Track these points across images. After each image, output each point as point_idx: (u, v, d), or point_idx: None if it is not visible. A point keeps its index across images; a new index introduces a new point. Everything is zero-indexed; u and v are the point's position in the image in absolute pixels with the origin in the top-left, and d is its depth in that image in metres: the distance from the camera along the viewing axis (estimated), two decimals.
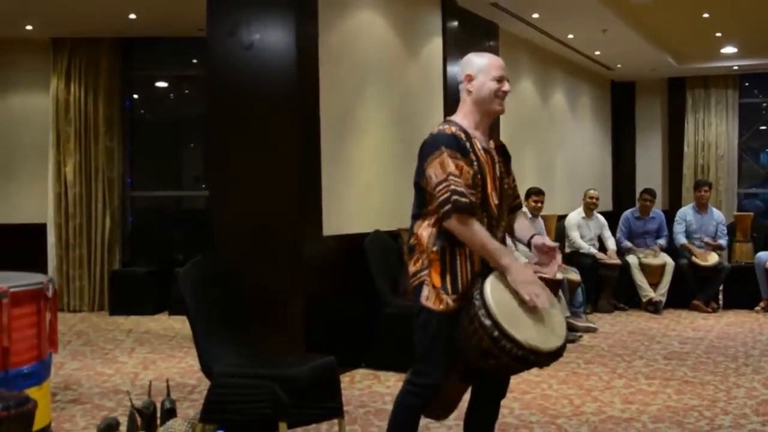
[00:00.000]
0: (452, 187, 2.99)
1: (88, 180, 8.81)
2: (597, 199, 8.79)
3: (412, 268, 3.19)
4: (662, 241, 8.82)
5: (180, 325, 7.65)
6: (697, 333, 7.28)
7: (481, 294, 2.95)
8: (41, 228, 8.83)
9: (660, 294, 8.41)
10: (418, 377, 3.22)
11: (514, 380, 5.41)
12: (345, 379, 5.47)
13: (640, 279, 8.48)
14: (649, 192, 9.07)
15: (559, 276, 7.13)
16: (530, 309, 2.99)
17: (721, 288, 8.73)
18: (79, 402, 5.04)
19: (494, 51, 8.38)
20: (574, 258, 8.41)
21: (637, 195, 9.42)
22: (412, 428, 3.27)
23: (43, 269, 8.69)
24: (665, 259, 8.56)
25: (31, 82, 9.00)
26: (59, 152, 8.79)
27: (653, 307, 8.34)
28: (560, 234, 8.82)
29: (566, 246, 8.67)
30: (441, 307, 3.10)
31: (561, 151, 10.59)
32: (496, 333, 2.87)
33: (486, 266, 3.06)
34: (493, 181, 3.16)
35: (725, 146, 12.02)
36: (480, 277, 3.02)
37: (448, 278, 3.10)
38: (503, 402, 4.75)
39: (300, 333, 5.32)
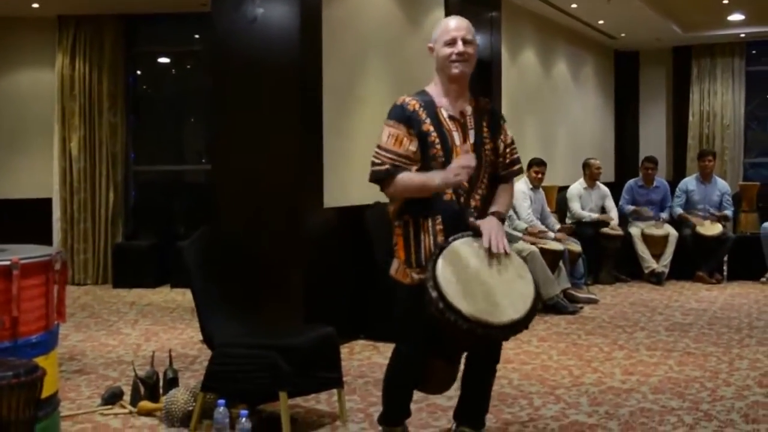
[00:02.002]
0: (373, 159, 3.12)
1: (92, 155, 8.85)
2: (599, 168, 8.76)
3: (393, 242, 3.23)
4: (665, 214, 8.80)
5: (181, 297, 7.72)
6: (700, 304, 7.30)
7: (433, 265, 2.95)
8: (47, 202, 8.89)
9: (663, 265, 8.41)
10: (397, 349, 3.29)
11: (514, 351, 5.51)
12: (344, 350, 5.51)
13: (642, 250, 8.48)
14: (651, 160, 9.03)
15: (560, 246, 7.15)
16: (485, 281, 2.96)
17: (725, 259, 8.73)
18: (83, 372, 5.10)
19: (497, 22, 8.35)
20: (575, 229, 8.41)
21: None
22: (402, 399, 3.31)
23: (49, 243, 8.74)
24: (668, 229, 8.56)
25: (38, 59, 9.02)
26: (64, 128, 8.83)
27: (656, 279, 8.36)
28: (561, 205, 8.83)
29: (567, 217, 8.67)
30: (407, 280, 3.15)
31: (563, 122, 10.56)
32: (441, 305, 2.87)
33: (448, 238, 3.04)
34: (464, 148, 3.13)
35: (731, 115, 11.96)
36: (438, 249, 3.02)
37: (412, 251, 3.14)
38: (501, 373, 4.86)
39: (300, 304, 5.36)
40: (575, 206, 8.61)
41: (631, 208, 8.82)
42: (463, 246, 3.04)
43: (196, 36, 9.22)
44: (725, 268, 8.76)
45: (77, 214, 8.84)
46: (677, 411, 4.13)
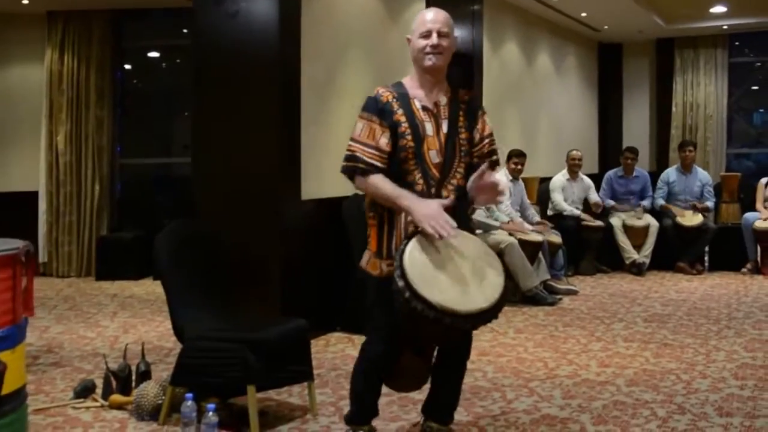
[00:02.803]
0: (347, 152, 3.08)
1: (78, 148, 8.78)
2: (579, 159, 8.69)
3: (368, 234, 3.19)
4: (646, 203, 8.76)
5: (161, 289, 7.60)
6: (680, 295, 7.25)
7: (401, 255, 2.88)
8: (33, 196, 8.80)
9: (644, 256, 8.37)
10: (366, 344, 3.24)
11: (490, 343, 5.45)
12: (320, 342, 5.46)
13: (623, 241, 8.43)
14: (631, 150, 8.99)
15: (539, 238, 7.09)
16: (454, 270, 2.89)
17: (706, 250, 8.68)
18: (59, 365, 5.03)
19: (479, 15, 8.25)
20: (556, 220, 8.35)
21: None
22: (370, 397, 3.24)
23: (34, 236, 8.66)
24: (649, 220, 8.51)
25: (27, 55, 8.95)
26: (51, 122, 8.76)
27: (636, 269, 8.31)
28: (543, 197, 8.78)
29: (549, 209, 8.62)
30: (377, 271, 3.11)
31: (545, 113, 10.48)
32: (407, 294, 2.79)
33: (417, 228, 2.97)
34: (437, 138, 3.10)
35: (714, 106, 11.88)
36: (406, 238, 2.96)
37: (383, 243, 3.10)
38: (476, 365, 4.81)
39: (277, 296, 5.30)
40: (557, 197, 8.55)
41: (612, 203, 8.76)
42: (427, 234, 2.95)
43: (184, 31, 9.13)
44: (706, 258, 8.72)
45: (63, 207, 8.76)
46: (651, 404, 4.07)
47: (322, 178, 5.82)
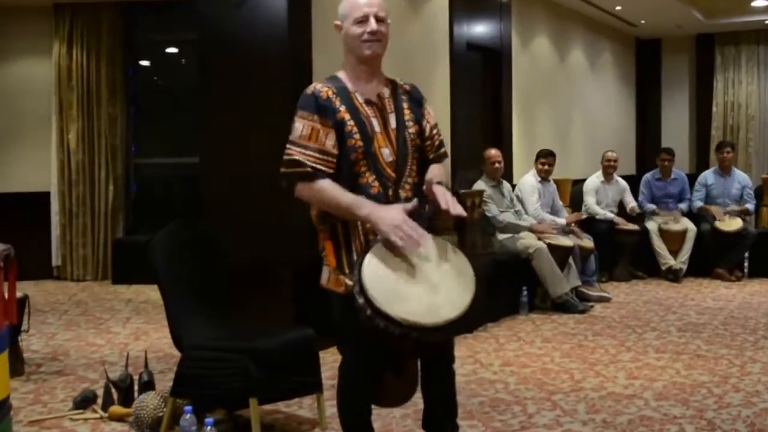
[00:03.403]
0: (285, 156, 2.80)
1: (91, 147, 8.73)
2: (615, 161, 8.48)
3: (319, 248, 2.95)
4: (683, 206, 8.53)
5: None
6: (716, 303, 7.02)
7: (359, 269, 2.65)
8: (45, 196, 8.77)
9: (680, 261, 8.14)
10: (343, 366, 3.00)
11: (515, 353, 5.30)
12: (335, 352, 5.32)
13: (659, 246, 8.21)
14: (668, 151, 8.77)
15: (569, 242, 6.91)
16: (418, 279, 2.67)
17: (746, 255, 8.42)
18: (62, 374, 4.97)
19: (507, 8, 8.11)
20: (589, 224, 8.17)
21: None
22: (357, 422, 3.03)
23: (47, 238, 8.68)
24: (686, 224, 8.27)
25: (34, 49, 8.86)
26: (62, 119, 8.72)
27: (673, 276, 8.08)
28: (576, 199, 8.58)
29: (582, 212, 8.42)
30: (341, 288, 2.83)
31: (579, 112, 10.29)
32: (369, 311, 2.58)
33: (376, 237, 2.75)
34: (386, 135, 2.88)
35: (756, 106, 11.60)
36: (363, 251, 2.73)
37: (343, 256, 2.84)
38: (498, 377, 4.67)
39: (288, 302, 5.18)
40: (590, 200, 8.35)
41: (652, 207, 8.54)
42: (390, 242, 2.72)
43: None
44: (746, 264, 8.45)
45: (76, 208, 8.73)
46: (679, 419, 3.89)
47: None
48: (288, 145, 2.79)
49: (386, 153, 2.85)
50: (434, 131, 3.04)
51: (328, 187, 2.75)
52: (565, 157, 9.55)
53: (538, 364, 5.03)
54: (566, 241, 6.91)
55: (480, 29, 7.69)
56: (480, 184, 6.99)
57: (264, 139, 5.28)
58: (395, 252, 2.68)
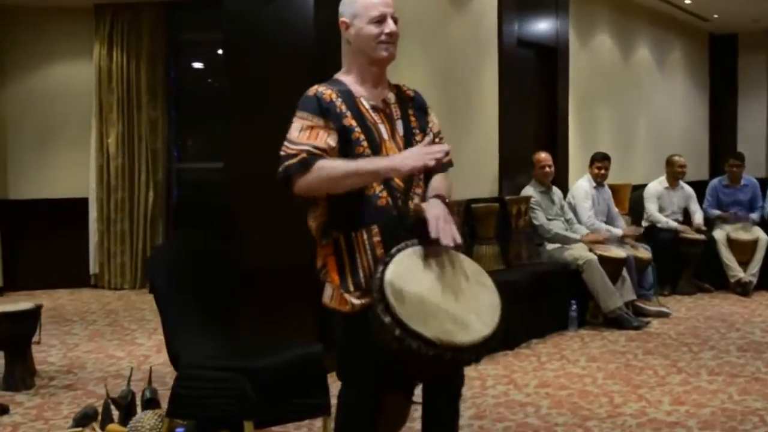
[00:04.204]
0: (280, 153, 2.63)
1: (130, 152, 8.73)
2: (683, 166, 8.11)
3: (317, 265, 2.79)
4: (755, 215, 8.09)
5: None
6: None
7: (380, 284, 2.51)
8: (83, 202, 8.81)
9: (750, 274, 7.71)
10: (345, 393, 2.81)
11: (555, 373, 5.03)
12: None
13: (727, 257, 7.79)
14: (736, 156, 8.36)
15: (623, 254, 6.59)
16: (443, 295, 2.55)
17: None
18: (72, 387, 4.94)
19: (564, 3, 7.82)
20: (651, 233, 7.81)
21: None
22: None
23: (85, 246, 8.71)
24: (758, 233, 7.84)
25: (75, 51, 8.89)
26: (102, 123, 8.73)
27: (742, 289, 7.67)
28: (636, 206, 8.24)
29: (643, 220, 8.07)
30: (346, 308, 2.68)
31: (644, 113, 9.89)
32: (398, 331, 2.44)
33: (391, 250, 2.59)
34: (394, 142, 2.73)
35: None
36: (381, 265, 2.57)
37: (347, 273, 2.68)
38: (531, 399, 4.45)
39: (312, 319, 4.99)
40: (652, 208, 8.01)
41: (717, 212, 8.13)
42: (410, 257, 2.61)
43: None
44: None
45: (114, 215, 8.73)
46: None
47: None
48: (285, 144, 2.65)
49: None
50: (437, 139, 2.87)
51: (326, 164, 2.57)
52: (627, 162, 9.19)
53: (577, 385, 4.77)
54: (619, 252, 6.59)
55: (533, 25, 7.43)
56: (528, 190, 6.73)
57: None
58: (415, 268, 2.57)
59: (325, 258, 2.74)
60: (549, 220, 6.68)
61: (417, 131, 2.80)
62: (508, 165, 6.87)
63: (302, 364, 3.62)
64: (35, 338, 5.20)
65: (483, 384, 4.84)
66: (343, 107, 2.67)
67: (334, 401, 3.76)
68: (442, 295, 2.56)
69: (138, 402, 4.15)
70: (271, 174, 5.10)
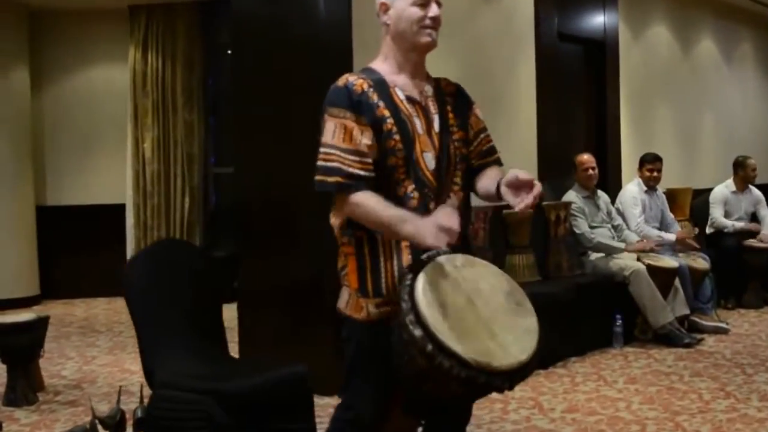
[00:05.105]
0: (320, 162, 2.46)
1: (166, 157, 8.66)
2: (754, 169, 7.64)
3: (338, 266, 2.61)
4: None
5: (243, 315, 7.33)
6: None
7: (411, 294, 2.29)
8: (120, 208, 8.77)
9: None
10: (341, 410, 2.63)
11: (586, 395, 4.68)
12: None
13: None
14: None
15: (674, 263, 6.16)
16: (477, 312, 2.32)
17: None
18: (75, 404, 4.82)
19: None
20: (714, 240, 7.33)
21: None
22: None
23: (122, 252, 8.65)
24: None
25: (111, 55, 8.91)
26: (137, 127, 8.69)
27: None
28: (699, 212, 7.74)
29: (708, 226, 7.60)
30: (361, 315, 2.51)
31: (710, 111, 9.35)
32: (429, 347, 2.21)
33: (419, 256, 2.40)
34: (429, 138, 2.53)
35: None
36: (411, 272, 2.35)
37: (368, 277, 2.50)
38: (555, 425, 4.12)
39: (328, 332, 4.74)
40: (717, 213, 7.54)
41: None
42: (444, 265, 2.39)
43: None
44: None
45: (150, 221, 8.66)
46: None
47: None
48: (321, 149, 2.49)
49: (429, 159, 2.54)
50: (481, 135, 2.70)
51: (366, 200, 2.42)
52: (691, 164, 8.70)
53: (609, 410, 4.41)
54: (670, 262, 6.15)
55: (577, 18, 7.04)
56: (570, 195, 6.36)
57: (298, 146, 4.93)
58: (447, 278, 2.37)
59: (346, 258, 2.56)
60: (593, 227, 6.29)
61: (455, 128, 2.61)
62: (549, 168, 6.50)
63: (283, 387, 3.39)
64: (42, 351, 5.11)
65: (505, 407, 4.51)
66: (375, 97, 2.50)
67: (321, 425, 3.54)
68: (478, 310, 2.34)
69: (130, 421, 3.98)
70: (272, 170, 4.95)
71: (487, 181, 2.59)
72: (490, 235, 5.46)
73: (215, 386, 3.24)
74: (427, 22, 2.52)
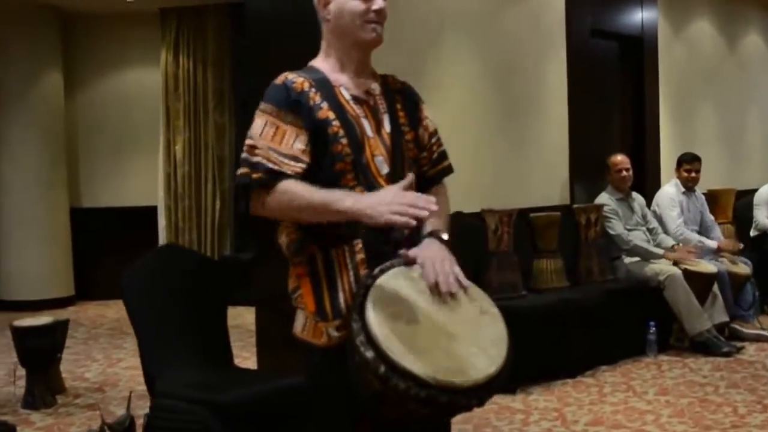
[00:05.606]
0: (243, 155, 2.23)
1: (197, 159, 8.66)
2: None
3: (289, 287, 2.38)
4: None
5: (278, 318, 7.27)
6: None
7: (361, 312, 2.09)
8: (153, 211, 8.79)
9: None
10: None
11: (613, 407, 4.50)
12: None
13: None
14: None
15: (713, 268, 5.92)
16: (437, 325, 2.12)
17: None
18: (93, 408, 4.78)
19: None
20: (758, 243, 7.06)
21: None
22: None
23: None
24: None
25: (143, 58, 8.96)
26: (169, 130, 8.70)
27: None
28: (742, 213, 7.46)
29: (752, 228, 7.32)
30: (322, 340, 2.28)
31: (756, 109, 9.02)
32: (382, 368, 2.01)
33: (374, 269, 2.18)
34: (380, 140, 2.33)
35: None
36: (362, 288, 2.15)
37: (325, 298, 2.27)
38: None
39: None
40: (761, 215, 7.26)
41: None
42: (397, 278, 2.18)
43: None
44: None
45: (182, 224, 8.68)
46: None
47: None
48: (247, 144, 2.26)
49: (381, 163, 2.32)
50: (433, 140, 2.48)
51: (292, 187, 2.18)
52: (735, 164, 8.40)
53: (635, 424, 4.23)
54: (708, 267, 5.92)
55: (612, 13, 6.82)
56: (603, 197, 6.15)
57: None
58: (403, 291, 2.16)
59: (299, 279, 2.32)
60: (628, 230, 6.08)
61: (406, 128, 2.40)
62: (582, 170, 6.31)
63: (283, 398, 3.29)
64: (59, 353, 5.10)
65: (526, 418, 4.36)
66: (317, 98, 2.29)
67: None
68: (437, 324, 2.14)
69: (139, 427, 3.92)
70: None
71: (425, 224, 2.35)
72: (515, 239, 5.29)
73: (211, 397, 3.16)
74: (371, 16, 2.33)
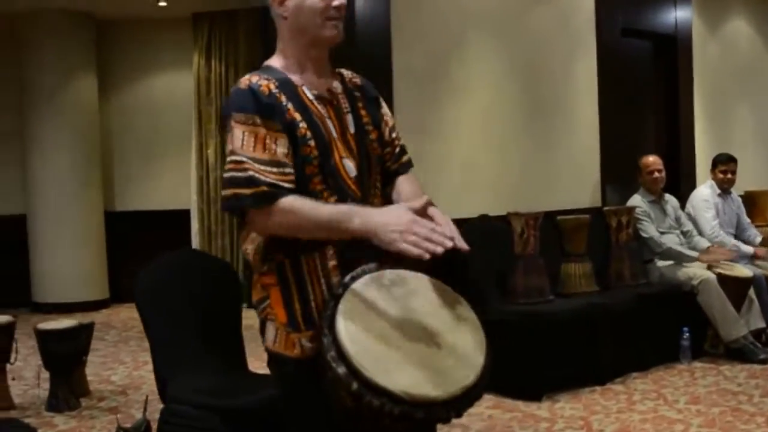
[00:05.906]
0: (227, 174, 2.10)
1: None
2: None
3: (254, 298, 2.28)
4: None
5: None
6: None
7: (330, 326, 1.99)
8: (186, 214, 8.80)
9: None
10: None
11: (641, 415, 4.37)
12: None
13: None
14: None
15: (749, 273, 5.74)
16: (411, 336, 2.02)
17: None
18: (115, 411, 4.78)
19: None
20: None
21: None
22: None
23: None
24: None
25: (176, 62, 8.99)
26: (201, 133, 8.69)
27: None
28: None
29: None
30: (295, 352, 2.19)
31: None
32: (355, 385, 1.92)
33: (345, 277, 2.08)
34: (344, 141, 2.24)
35: None
36: (332, 299, 2.05)
37: (296, 308, 2.18)
38: None
39: None
40: None
41: None
42: (369, 287, 2.07)
43: None
44: None
45: (214, 227, 8.66)
46: None
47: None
48: (230, 159, 2.14)
49: (349, 165, 2.23)
50: (394, 134, 2.39)
51: (296, 205, 2.09)
52: None
53: None
54: (744, 271, 5.73)
55: (644, 12, 6.68)
56: (635, 199, 6.00)
57: None
58: (374, 300, 2.06)
59: (267, 289, 2.22)
60: (661, 233, 5.92)
61: (370, 127, 2.32)
62: (614, 172, 6.17)
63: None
64: (84, 357, 5.10)
65: (551, 427, 4.24)
66: (284, 99, 2.19)
67: None
68: (411, 335, 2.04)
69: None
70: None
71: (405, 196, 2.29)
72: (541, 243, 5.16)
73: (219, 402, 3.11)
74: (332, 12, 2.23)
